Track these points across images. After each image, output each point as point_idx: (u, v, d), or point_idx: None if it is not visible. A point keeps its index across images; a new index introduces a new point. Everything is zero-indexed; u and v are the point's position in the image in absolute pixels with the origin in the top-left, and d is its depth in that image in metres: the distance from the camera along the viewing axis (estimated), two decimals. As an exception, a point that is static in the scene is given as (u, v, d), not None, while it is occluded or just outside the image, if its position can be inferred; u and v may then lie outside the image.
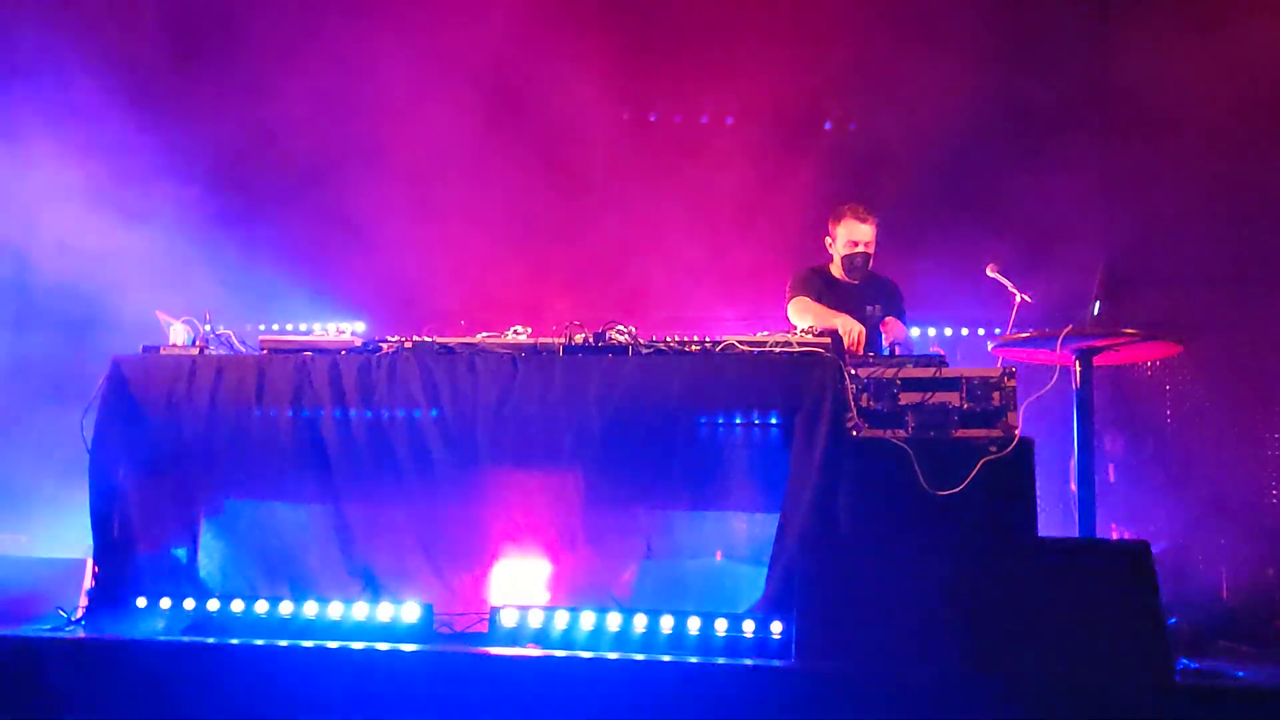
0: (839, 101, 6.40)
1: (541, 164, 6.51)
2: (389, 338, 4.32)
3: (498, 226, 6.52)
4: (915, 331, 6.22)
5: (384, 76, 6.39)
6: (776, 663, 3.57)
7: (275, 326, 6.58)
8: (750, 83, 6.30)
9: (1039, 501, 3.92)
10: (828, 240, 5.11)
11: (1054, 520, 5.13)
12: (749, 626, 3.71)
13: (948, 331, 6.24)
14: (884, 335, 4.79)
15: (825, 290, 5.00)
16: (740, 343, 4.12)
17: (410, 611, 3.88)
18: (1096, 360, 4.39)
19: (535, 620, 3.82)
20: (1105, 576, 3.34)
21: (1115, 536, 5.23)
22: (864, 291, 5.03)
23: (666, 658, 3.58)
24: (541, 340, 4.21)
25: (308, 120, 6.36)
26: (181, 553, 4.18)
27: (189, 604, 3.96)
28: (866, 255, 5.00)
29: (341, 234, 6.41)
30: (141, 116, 6.05)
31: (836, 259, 5.07)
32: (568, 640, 3.78)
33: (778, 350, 4.07)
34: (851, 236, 5.00)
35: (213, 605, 3.95)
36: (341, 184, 6.43)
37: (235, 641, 3.69)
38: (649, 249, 6.20)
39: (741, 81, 6.34)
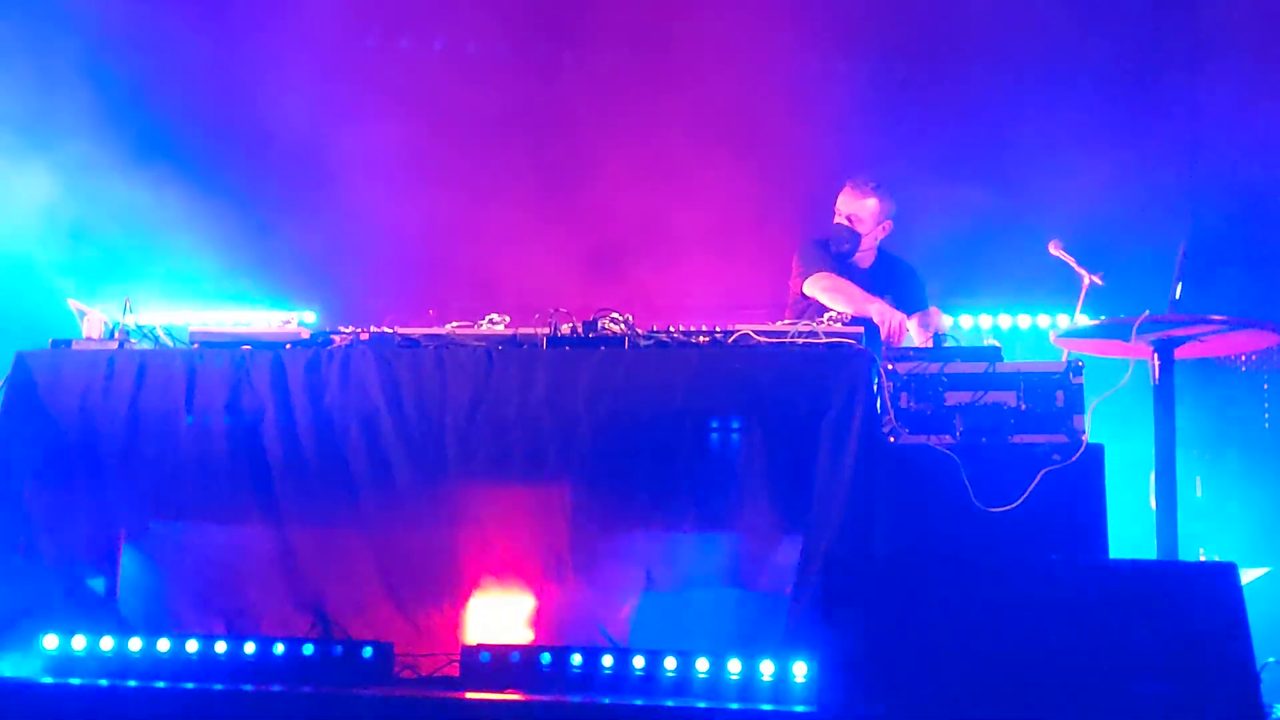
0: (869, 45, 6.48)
1: (522, 124, 6.57)
2: (342, 329, 4.38)
3: (471, 197, 6.56)
4: (968, 321, 6.27)
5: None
6: (799, 709, 3.60)
7: (208, 316, 6.61)
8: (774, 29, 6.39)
9: (1111, 519, 3.95)
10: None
11: (1129, 542, 5.15)
12: (767, 668, 3.73)
13: (1004, 320, 6.28)
14: (919, 331, 4.84)
15: (835, 269, 5.10)
16: (756, 333, 4.16)
17: (367, 652, 3.91)
18: (1179, 352, 4.41)
19: (515, 661, 3.85)
20: (1183, 604, 3.38)
21: (1203, 560, 5.26)
22: (874, 277, 5.14)
23: (670, 703, 3.62)
24: (522, 331, 4.25)
25: (240, 67, 6.43)
26: (99, 582, 4.23)
27: (107, 643, 3.97)
28: (852, 232, 5.13)
29: (287, 205, 6.46)
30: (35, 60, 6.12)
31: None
32: (554, 684, 3.80)
33: (801, 342, 4.12)
34: (846, 210, 5.16)
35: (135, 644, 3.97)
36: (286, 142, 6.48)
37: (161, 685, 3.73)
38: (648, 223, 6.25)
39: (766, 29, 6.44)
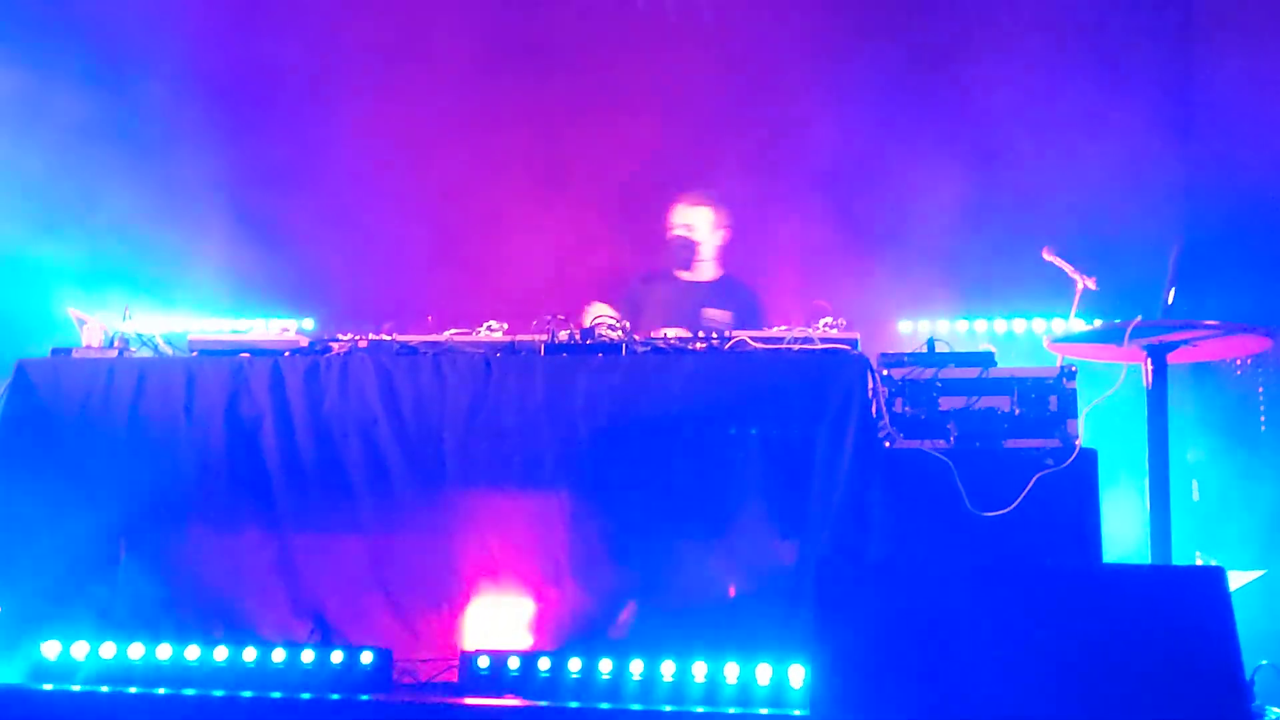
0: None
1: (519, 130, 6.59)
2: (340, 336, 4.40)
3: (470, 204, 6.59)
4: (962, 326, 6.30)
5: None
6: (797, 713, 3.64)
7: (207, 324, 6.64)
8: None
9: (1106, 523, 3.99)
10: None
11: (1126, 547, 5.18)
12: (764, 672, 3.78)
13: (998, 326, 6.31)
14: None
15: (650, 292, 5.25)
16: (753, 339, 4.20)
17: (367, 658, 3.94)
18: (1172, 357, 4.45)
19: (514, 666, 3.90)
20: (1172, 609, 3.41)
21: (1198, 564, 5.29)
22: (707, 292, 5.28)
23: (667, 708, 3.66)
24: (520, 338, 4.28)
25: (236, 75, 6.46)
26: (99, 589, 4.23)
27: (107, 650, 4.02)
28: (691, 243, 5.27)
29: (285, 211, 6.48)
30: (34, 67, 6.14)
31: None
32: (552, 689, 3.85)
33: (797, 348, 4.15)
34: (676, 220, 5.33)
35: (135, 651, 4.01)
36: (283, 149, 6.50)
37: (161, 692, 3.76)
38: (644, 230, 6.27)
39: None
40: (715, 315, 5.21)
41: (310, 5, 6.66)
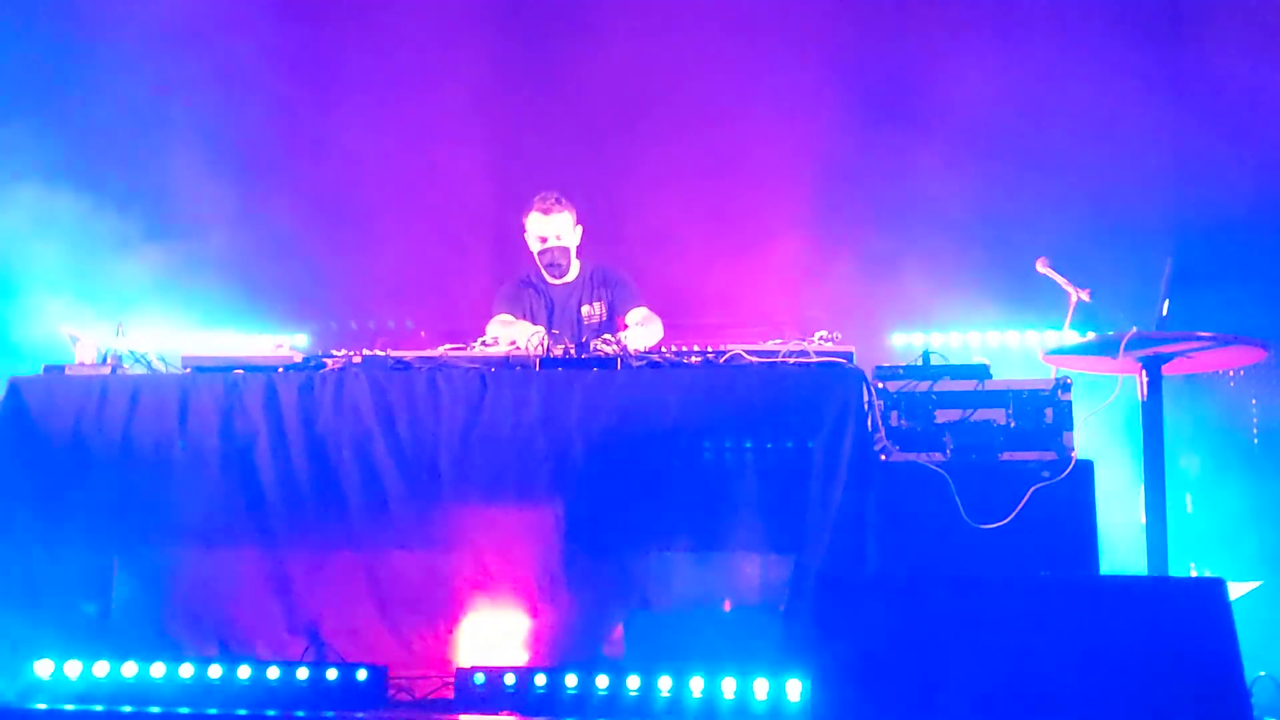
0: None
1: (512, 147, 6.60)
2: (335, 352, 4.39)
3: (463, 221, 6.60)
4: (957, 339, 6.30)
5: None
6: (793, 728, 3.62)
7: (201, 341, 6.62)
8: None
9: (1102, 535, 3.99)
10: (527, 238, 5.24)
11: (1121, 558, 5.18)
12: (761, 687, 3.76)
13: (993, 338, 6.33)
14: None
15: (535, 298, 5.17)
16: (748, 353, 4.19)
17: (362, 675, 3.92)
18: (1167, 369, 4.46)
19: (509, 683, 3.88)
20: (1173, 620, 3.40)
21: (1194, 575, 5.29)
22: (579, 290, 5.21)
23: (664, 724, 3.64)
24: (515, 353, 4.28)
25: (226, 91, 6.47)
26: (92, 607, 4.22)
27: (101, 668, 3.99)
28: (562, 250, 5.15)
29: (278, 230, 6.48)
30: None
31: (536, 259, 5.21)
32: (549, 705, 3.83)
33: (792, 361, 4.15)
34: (539, 232, 5.16)
35: (129, 669, 3.98)
36: (276, 168, 6.50)
37: (155, 711, 3.74)
38: (640, 244, 6.28)
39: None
40: (591, 311, 5.16)
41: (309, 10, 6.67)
